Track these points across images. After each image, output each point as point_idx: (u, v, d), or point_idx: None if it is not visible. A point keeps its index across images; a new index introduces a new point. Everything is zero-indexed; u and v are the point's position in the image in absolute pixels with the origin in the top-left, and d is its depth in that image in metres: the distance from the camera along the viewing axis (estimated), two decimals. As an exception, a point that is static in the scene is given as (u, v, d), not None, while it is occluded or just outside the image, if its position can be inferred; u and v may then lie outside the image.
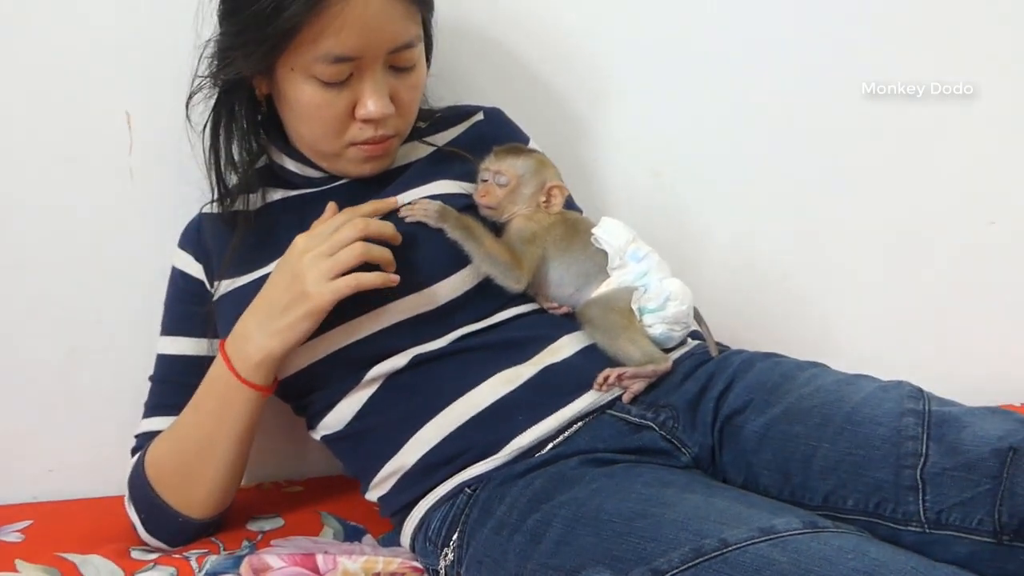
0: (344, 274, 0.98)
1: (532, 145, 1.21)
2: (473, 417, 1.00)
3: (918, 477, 0.86)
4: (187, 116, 1.11)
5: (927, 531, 0.85)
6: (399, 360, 1.03)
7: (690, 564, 0.78)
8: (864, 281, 1.50)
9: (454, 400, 1.01)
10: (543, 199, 1.10)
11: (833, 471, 0.90)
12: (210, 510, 1.10)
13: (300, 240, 1.01)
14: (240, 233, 1.11)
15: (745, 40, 1.39)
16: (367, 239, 0.99)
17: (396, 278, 1.00)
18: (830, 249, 1.48)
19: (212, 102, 1.12)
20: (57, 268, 1.24)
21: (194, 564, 1.05)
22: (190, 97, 1.10)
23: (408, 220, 1.05)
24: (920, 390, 0.95)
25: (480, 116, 1.23)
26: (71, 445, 1.28)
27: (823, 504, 0.91)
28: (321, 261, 0.98)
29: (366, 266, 0.99)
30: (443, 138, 1.20)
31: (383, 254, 1.00)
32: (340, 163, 1.10)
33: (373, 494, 1.07)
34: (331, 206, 1.06)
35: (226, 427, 1.05)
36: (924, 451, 0.87)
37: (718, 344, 1.09)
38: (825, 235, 1.48)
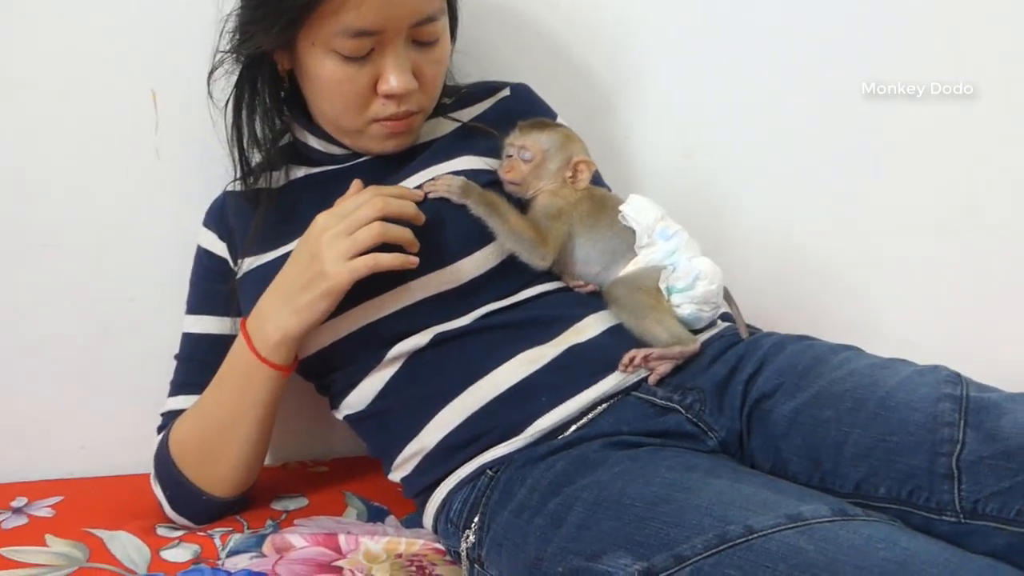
0: (363, 254, 0.96)
1: (560, 121, 1.18)
2: (495, 398, 0.98)
3: (954, 465, 0.83)
4: (209, 92, 1.10)
5: (962, 521, 0.82)
6: (421, 338, 1.02)
7: (714, 551, 0.76)
8: (903, 264, 1.45)
9: (476, 380, 0.99)
10: (569, 175, 1.07)
11: (865, 458, 0.87)
12: (233, 489, 1.10)
13: (320, 219, 1.00)
14: (262, 211, 1.11)
15: (777, 15, 1.36)
16: (387, 219, 0.98)
17: (415, 260, 0.98)
18: (868, 230, 1.44)
19: (234, 78, 1.10)
20: (86, 247, 1.25)
21: (218, 542, 1.06)
22: (211, 73, 1.09)
23: (431, 196, 1.04)
24: (958, 375, 0.91)
25: (507, 92, 1.20)
26: (101, 422, 1.29)
27: (854, 491, 0.87)
28: (339, 240, 0.97)
29: (387, 246, 0.98)
30: (468, 114, 1.18)
31: (402, 234, 0.99)
32: (362, 140, 1.09)
33: (396, 475, 1.06)
34: (356, 183, 1.05)
35: (247, 406, 1.05)
36: (961, 438, 0.84)
37: (749, 326, 1.06)
38: (863, 216, 1.43)
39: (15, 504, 1.15)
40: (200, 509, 1.09)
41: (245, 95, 1.11)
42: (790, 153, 1.40)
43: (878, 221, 1.44)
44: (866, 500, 0.86)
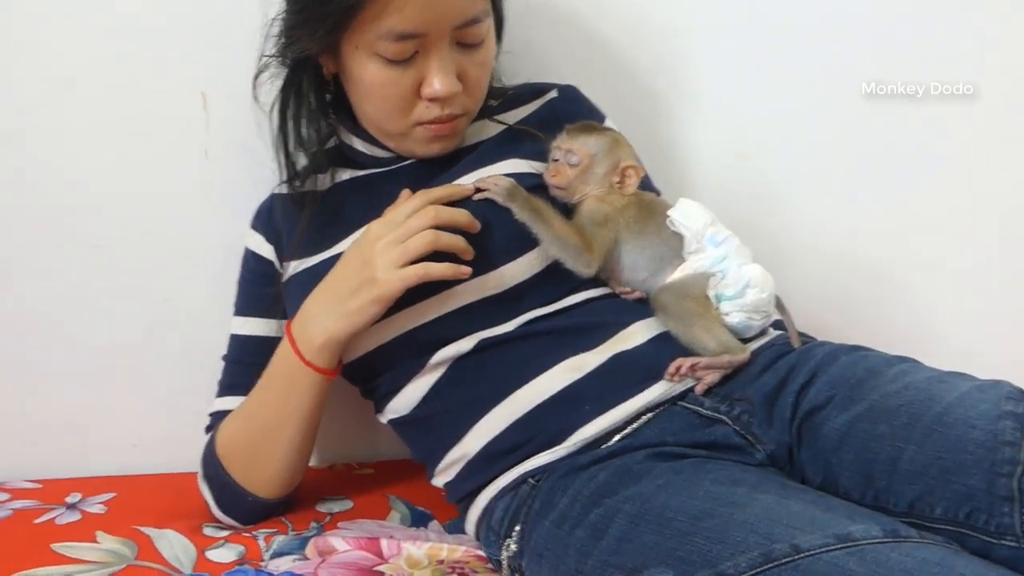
0: (415, 262, 0.96)
1: (608, 123, 1.16)
2: (538, 405, 0.97)
3: (1015, 487, 0.79)
4: (255, 96, 1.11)
5: (1023, 546, 0.78)
6: (465, 344, 1.01)
7: (758, 569, 0.74)
8: (964, 273, 1.41)
9: (519, 387, 0.98)
10: (616, 180, 1.05)
11: (920, 476, 0.84)
12: (278, 490, 1.10)
13: (374, 226, 1.00)
14: (308, 213, 1.11)
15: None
16: (440, 227, 0.98)
17: (467, 269, 0.98)
18: (928, 238, 1.40)
19: (280, 82, 1.11)
20: (136, 247, 1.26)
21: (262, 543, 1.06)
22: (257, 76, 1.10)
23: (476, 197, 1.03)
24: (1021, 391, 0.87)
25: (554, 93, 1.19)
26: (152, 421, 1.30)
27: (908, 511, 0.84)
28: (392, 249, 0.97)
29: (438, 254, 0.97)
30: (514, 116, 1.16)
31: (454, 242, 0.98)
32: (407, 143, 1.08)
33: (439, 480, 1.06)
34: (405, 192, 1.04)
35: (291, 408, 1.05)
36: (1023, 458, 0.80)
37: (801, 335, 1.03)
38: (923, 224, 1.40)
39: (69, 500, 1.17)
40: (246, 510, 1.10)
41: (291, 99, 1.11)
42: (844, 156, 1.37)
43: (938, 226, 1.40)
44: (921, 520, 0.83)
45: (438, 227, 0.98)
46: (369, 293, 0.97)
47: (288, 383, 1.05)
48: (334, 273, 1.02)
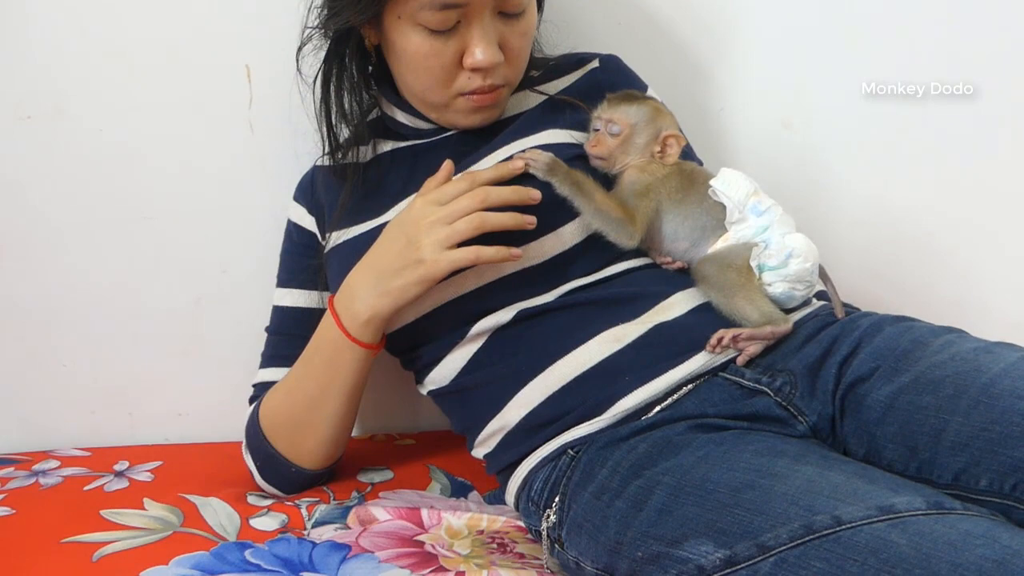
0: (462, 244, 0.96)
1: (650, 93, 1.15)
2: (578, 376, 0.96)
3: (1062, 458, 0.77)
4: (298, 68, 1.11)
5: (1070, 518, 0.77)
6: (504, 315, 1.01)
7: (799, 541, 0.73)
8: (1014, 239, 1.38)
9: (559, 358, 0.97)
10: (658, 149, 1.04)
11: (965, 447, 0.82)
12: (321, 461, 1.11)
13: (418, 202, 0.99)
14: (350, 185, 1.11)
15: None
16: (489, 209, 0.97)
17: (518, 252, 0.97)
18: (976, 208, 1.37)
19: (323, 54, 1.11)
20: (184, 220, 1.28)
21: (304, 512, 1.08)
22: (300, 48, 1.10)
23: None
24: (1069, 362, 0.85)
25: (596, 63, 1.17)
26: (199, 391, 1.33)
27: (953, 483, 0.83)
28: (439, 228, 0.96)
29: (488, 236, 0.97)
30: (556, 86, 1.15)
31: (503, 221, 0.97)
32: (449, 114, 1.08)
33: (479, 451, 1.06)
34: (447, 164, 1.02)
35: (335, 382, 1.06)
36: None
37: (845, 305, 1.01)
38: (971, 193, 1.37)
39: (118, 468, 1.20)
40: (289, 480, 1.12)
41: (333, 70, 1.11)
42: (891, 124, 1.34)
43: (987, 194, 1.37)
44: (966, 492, 0.82)
45: (488, 209, 0.97)
46: (415, 272, 0.97)
47: (332, 357, 1.05)
48: (378, 248, 1.02)
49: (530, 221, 0.97)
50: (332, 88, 1.12)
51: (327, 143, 1.14)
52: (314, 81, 1.12)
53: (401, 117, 1.13)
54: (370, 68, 1.14)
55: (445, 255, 0.96)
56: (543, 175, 1.01)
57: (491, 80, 1.04)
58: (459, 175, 1.01)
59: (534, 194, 0.98)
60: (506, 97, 1.09)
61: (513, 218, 0.97)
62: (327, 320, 1.05)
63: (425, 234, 0.96)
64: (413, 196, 1.02)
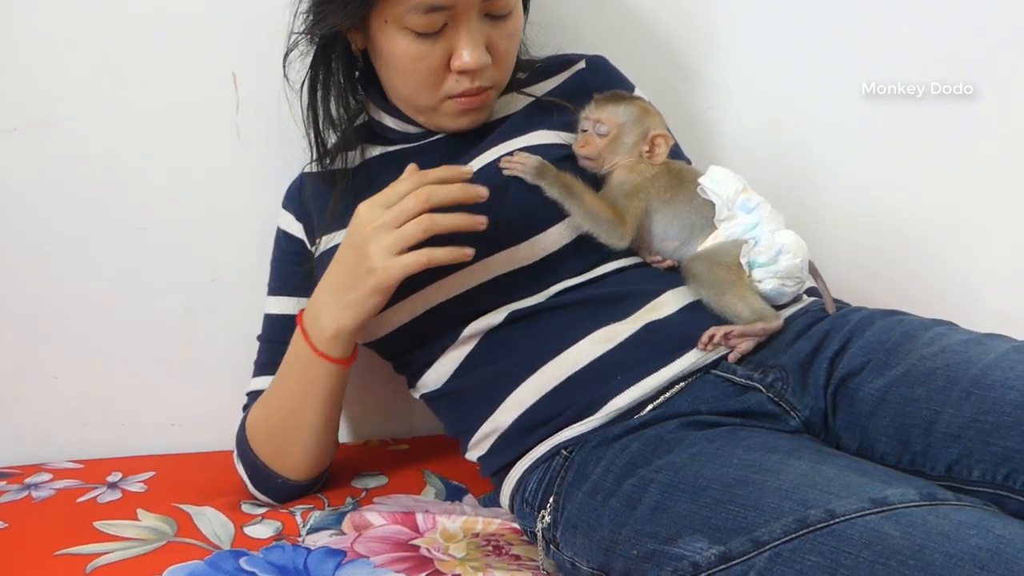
0: (413, 247, 0.93)
1: (638, 93, 1.15)
2: (570, 377, 0.96)
3: (1054, 448, 0.78)
4: (284, 74, 1.11)
5: (1063, 507, 0.77)
6: (495, 317, 1.01)
7: (793, 535, 0.73)
8: (1001, 233, 1.38)
9: (550, 359, 0.97)
10: (646, 149, 1.04)
11: (957, 439, 0.82)
12: (305, 473, 1.11)
13: (363, 208, 0.96)
14: (339, 190, 1.11)
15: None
16: (440, 208, 0.93)
17: (470, 251, 0.94)
18: (965, 203, 1.38)
19: (310, 60, 1.11)
20: (173, 229, 1.28)
21: (299, 519, 1.07)
22: (287, 54, 1.10)
23: (505, 173, 1.02)
24: (1060, 352, 0.85)
25: (582, 64, 1.18)
26: (191, 400, 1.32)
27: (946, 474, 0.83)
28: (385, 234, 0.93)
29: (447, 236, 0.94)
30: (543, 88, 1.15)
31: (453, 223, 0.93)
32: (437, 117, 1.08)
33: (472, 454, 1.06)
34: (410, 168, 0.98)
35: (310, 395, 1.05)
36: None
37: (836, 301, 1.01)
38: (960, 188, 1.38)
39: (110, 479, 1.19)
40: (278, 489, 1.11)
41: (320, 76, 1.11)
42: (878, 120, 1.34)
43: (973, 189, 1.37)
44: (959, 484, 0.82)
45: (437, 209, 0.93)
46: (367, 283, 0.95)
47: (303, 372, 1.04)
48: (335, 260, 0.99)
49: (480, 221, 0.93)
50: (319, 93, 1.12)
51: (315, 149, 1.14)
52: (301, 87, 1.12)
53: (389, 121, 1.13)
54: (357, 73, 1.14)
55: (395, 261, 0.93)
56: (532, 178, 1.01)
57: (479, 82, 1.04)
58: (405, 174, 0.97)
59: (481, 191, 0.94)
60: (494, 99, 1.09)
61: (462, 219, 0.94)
62: (297, 335, 1.04)
63: (373, 241, 0.93)
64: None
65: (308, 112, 1.13)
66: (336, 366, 1.03)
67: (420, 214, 0.93)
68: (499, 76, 1.07)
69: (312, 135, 1.13)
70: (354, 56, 1.10)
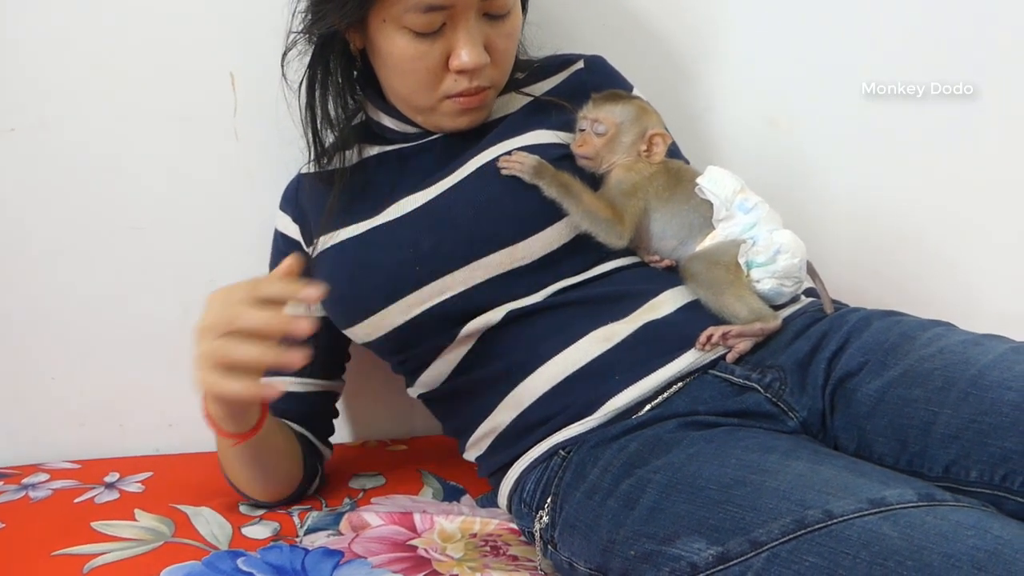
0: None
1: (636, 92, 1.15)
2: (568, 377, 0.96)
3: (1052, 448, 0.77)
4: (283, 74, 1.11)
5: (1060, 508, 0.77)
6: (493, 316, 1.00)
7: (791, 536, 0.73)
8: (1000, 233, 1.38)
9: (549, 358, 0.97)
10: (644, 148, 1.04)
11: (955, 439, 0.82)
12: (270, 498, 1.10)
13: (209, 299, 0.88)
14: (337, 190, 1.11)
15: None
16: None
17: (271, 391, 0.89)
18: (965, 203, 1.38)
19: (308, 59, 1.10)
20: (170, 230, 1.28)
21: (296, 520, 1.07)
22: (285, 54, 1.10)
23: (503, 173, 1.02)
24: (1058, 352, 0.85)
25: (580, 64, 1.17)
26: (188, 401, 1.28)
27: (944, 475, 0.83)
28: (200, 359, 0.85)
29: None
30: (541, 88, 1.15)
31: (247, 356, 0.83)
32: (435, 117, 1.08)
33: (470, 454, 1.06)
34: (288, 261, 0.88)
35: (238, 460, 1.04)
36: None
37: (834, 301, 1.01)
38: (960, 188, 1.37)
39: (108, 479, 1.19)
40: (260, 504, 1.11)
41: (318, 75, 1.11)
42: (878, 120, 1.34)
43: (973, 189, 1.37)
44: (957, 484, 0.81)
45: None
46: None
47: (219, 442, 1.02)
48: None
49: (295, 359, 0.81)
50: (317, 93, 1.12)
51: (312, 148, 1.14)
52: (299, 86, 1.12)
53: (387, 121, 1.13)
54: (355, 72, 1.14)
55: (203, 375, 0.85)
56: (530, 178, 1.01)
57: (477, 82, 1.04)
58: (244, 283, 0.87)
59: (298, 327, 0.83)
60: (492, 99, 1.09)
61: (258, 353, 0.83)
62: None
63: (195, 343, 0.86)
64: (402, 200, 1.02)
65: (306, 111, 1.12)
66: (232, 440, 0.97)
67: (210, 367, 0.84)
68: (497, 76, 1.07)
69: (310, 134, 1.13)
70: (352, 56, 1.10)
